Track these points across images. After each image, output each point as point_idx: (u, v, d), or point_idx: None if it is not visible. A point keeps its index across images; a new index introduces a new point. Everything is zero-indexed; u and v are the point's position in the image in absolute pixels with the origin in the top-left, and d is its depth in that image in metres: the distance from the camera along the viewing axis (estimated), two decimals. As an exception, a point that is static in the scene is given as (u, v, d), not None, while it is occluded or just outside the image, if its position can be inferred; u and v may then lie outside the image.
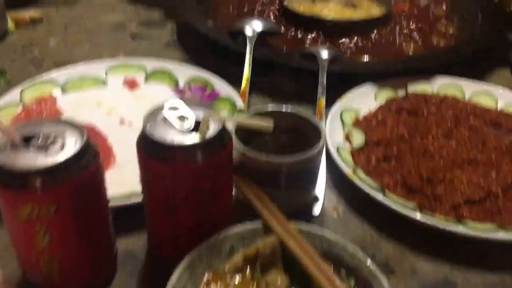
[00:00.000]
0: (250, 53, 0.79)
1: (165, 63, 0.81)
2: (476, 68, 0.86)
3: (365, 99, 0.75)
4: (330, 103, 0.72)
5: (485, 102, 0.76)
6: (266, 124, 0.43)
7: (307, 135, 0.55)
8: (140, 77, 0.80)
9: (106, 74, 0.80)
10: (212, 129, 0.41)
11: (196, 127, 0.42)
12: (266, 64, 0.80)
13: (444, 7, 1.02)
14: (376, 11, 1.02)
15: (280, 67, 0.81)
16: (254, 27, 0.85)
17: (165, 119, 0.42)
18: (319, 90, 0.74)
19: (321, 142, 0.53)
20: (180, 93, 0.77)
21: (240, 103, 0.71)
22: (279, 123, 0.47)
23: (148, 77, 0.80)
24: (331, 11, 1.01)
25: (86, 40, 0.97)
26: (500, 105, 0.75)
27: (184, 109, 0.43)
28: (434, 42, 0.91)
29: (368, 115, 0.73)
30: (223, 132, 0.42)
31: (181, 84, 0.79)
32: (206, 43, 0.90)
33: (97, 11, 1.09)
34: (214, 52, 0.89)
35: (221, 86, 0.76)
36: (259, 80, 0.81)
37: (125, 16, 1.07)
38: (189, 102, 0.43)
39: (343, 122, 0.70)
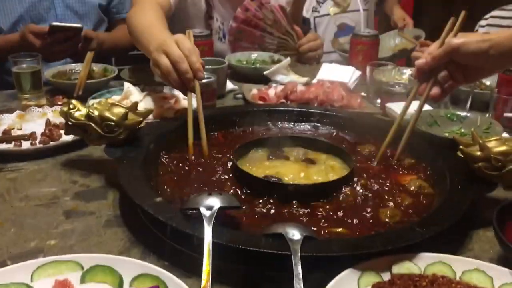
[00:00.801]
0: (209, 242, 0.67)
1: (105, 257, 0.68)
2: (453, 233, 0.79)
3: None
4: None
5: (479, 282, 0.67)
6: None
7: None
8: (74, 277, 0.65)
9: (31, 279, 0.64)
10: None
11: None
12: (229, 250, 0.69)
13: (412, 161, 0.99)
14: (336, 165, 0.96)
15: (245, 253, 0.69)
16: (210, 203, 0.74)
17: None
18: (296, 285, 0.62)
19: None
20: None
21: None
22: None
23: (85, 276, 0.66)
24: (289, 171, 0.94)
25: (9, 221, 0.82)
26: (497, 285, 0.67)
27: None
28: (406, 202, 0.84)
29: (354, 308, 0.61)
30: None
31: (126, 283, 0.65)
32: (155, 222, 0.78)
33: (26, 181, 0.96)
34: (166, 231, 0.77)
35: (176, 285, 0.63)
36: (224, 268, 0.69)
37: (59, 186, 0.94)
38: None
39: (328, 327, 0.58)
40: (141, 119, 0.98)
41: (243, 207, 0.82)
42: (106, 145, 0.96)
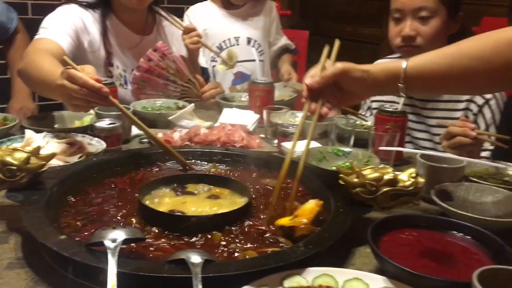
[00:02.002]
0: (114, 273, 0.70)
1: None
2: (337, 251, 0.90)
3: (244, 304, 0.70)
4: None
5: (358, 288, 0.77)
6: None
7: None
8: None
9: None
10: None
11: None
12: (134, 279, 0.73)
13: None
14: (238, 199, 1.04)
15: (150, 281, 0.74)
16: (114, 236, 0.78)
17: None
18: (197, 303, 0.68)
19: None
20: None
21: None
22: None
23: None
24: (194, 206, 1.00)
25: None
26: (373, 290, 0.77)
27: None
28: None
29: (250, 321, 0.68)
30: None
31: None
32: (58, 262, 0.80)
33: None
34: (69, 270, 0.79)
35: None
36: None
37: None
38: None
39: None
40: (44, 162, 1.00)
41: (149, 241, 0.86)
42: (8, 190, 0.96)
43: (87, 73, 1.16)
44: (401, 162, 1.38)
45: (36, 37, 1.68)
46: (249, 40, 2.37)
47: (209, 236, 0.89)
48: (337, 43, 1.09)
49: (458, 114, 1.60)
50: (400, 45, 1.61)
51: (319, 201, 0.97)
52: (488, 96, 1.59)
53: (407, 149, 1.37)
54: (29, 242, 0.89)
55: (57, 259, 0.81)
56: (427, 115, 1.67)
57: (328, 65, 1.06)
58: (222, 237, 0.90)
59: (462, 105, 1.62)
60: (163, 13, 2.00)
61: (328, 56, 1.10)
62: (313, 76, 1.05)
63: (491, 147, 1.52)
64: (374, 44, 1.89)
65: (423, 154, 1.18)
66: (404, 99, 1.37)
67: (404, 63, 0.96)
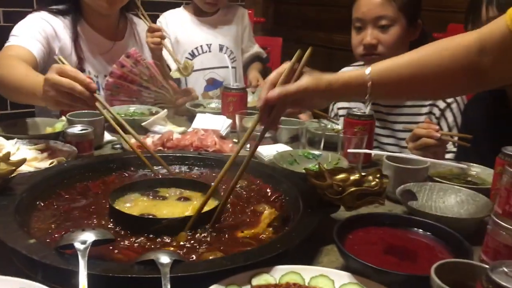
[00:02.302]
0: (84, 275, 0.71)
1: None
2: (306, 250, 0.93)
3: (213, 302, 0.72)
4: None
5: (324, 284, 0.79)
6: None
7: None
8: None
9: None
10: None
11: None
12: (105, 281, 0.74)
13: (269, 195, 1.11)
14: (210, 201, 1.06)
15: (119, 281, 0.75)
16: (84, 238, 0.79)
17: None
18: (165, 303, 0.69)
19: None
20: None
21: None
22: None
23: None
24: (165, 208, 1.01)
25: None
26: (337, 285, 0.80)
27: None
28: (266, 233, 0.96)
29: (219, 319, 0.70)
30: None
31: None
32: (29, 266, 0.80)
33: None
34: (39, 274, 0.79)
35: None
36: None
37: None
38: None
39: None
40: (13, 168, 1.00)
41: (121, 244, 0.87)
42: (-24, 196, 0.96)
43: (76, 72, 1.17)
44: (369, 164, 1.42)
45: (7, 44, 1.68)
46: (221, 47, 2.39)
47: (175, 237, 0.91)
48: (309, 49, 1.03)
49: (422, 118, 1.65)
50: (362, 54, 1.67)
51: (271, 209, 1.03)
52: (450, 100, 1.65)
53: (375, 151, 1.41)
54: (-1, 247, 0.89)
55: (27, 264, 0.81)
56: (393, 120, 1.73)
57: (294, 75, 1.01)
58: (189, 238, 0.91)
59: (425, 109, 1.68)
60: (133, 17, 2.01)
61: (298, 61, 1.05)
62: (273, 83, 1.00)
63: (455, 149, 1.57)
64: (345, 50, 1.94)
65: (389, 156, 1.22)
66: (369, 104, 1.41)
67: (367, 70, 0.99)
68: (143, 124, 1.63)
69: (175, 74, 1.98)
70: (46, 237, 0.90)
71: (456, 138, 1.44)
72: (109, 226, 0.95)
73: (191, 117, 1.77)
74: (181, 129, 1.64)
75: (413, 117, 1.69)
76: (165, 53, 2.04)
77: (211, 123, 1.61)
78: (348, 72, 1.03)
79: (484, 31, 0.95)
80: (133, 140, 1.48)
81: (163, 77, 1.93)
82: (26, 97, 1.35)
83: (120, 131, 1.23)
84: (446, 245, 0.89)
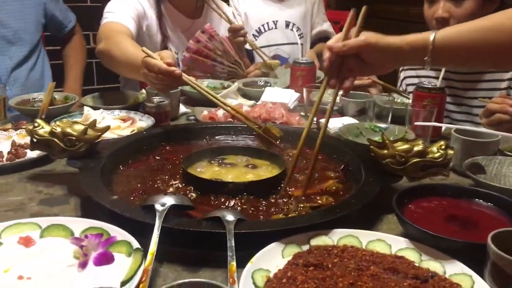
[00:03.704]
0: (158, 229, 0.80)
1: (58, 218, 0.88)
2: (367, 217, 0.95)
3: (273, 258, 0.78)
4: (241, 264, 0.74)
5: (381, 248, 0.82)
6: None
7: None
8: (34, 234, 0.84)
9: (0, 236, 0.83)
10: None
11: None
12: (177, 235, 0.82)
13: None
14: (275, 169, 1.11)
15: (189, 235, 0.83)
16: (164, 201, 0.86)
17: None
18: (229, 254, 0.75)
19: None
20: (77, 240, 0.81)
21: (136, 244, 0.78)
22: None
23: (43, 233, 0.85)
24: (234, 174, 1.08)
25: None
26: (394, 250, 0.82)
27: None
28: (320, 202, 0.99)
29: (279, 273, 0.75)
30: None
31: (77, 234, 0.84)
32: (112, 219, 0.90)
33: (-5, 193, 1.06)
34: (120, 226, 0.89)
35: (116, 232, 0.82)
36: (168, 250, 0.81)
37: (26, 195, 1.05)
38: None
39: (255, 284, 0.71)
40: (99, 134, 1.10)
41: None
42: (68, 158, 1.08)
43: (163, 58, 1.25)
44: (439, 138, 1.39)
45: (105, 20, 1.76)
46: (287, 24, 2.39)
47: (244, 201, 0.97)
48: (364, 9, 1.05)
49: (498, 94, 1.58)
50: (434, 28, 1.60)
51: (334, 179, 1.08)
52: None
53: (443, 124, 1.38)
54: (86, 202, 1.00)
55: (109, 217, 0.91)
56: (467, 96, 1.66)
57: (352, 33, 1.04)
58: (256, 202, 0.97)
59: (504, 84, 1.60)
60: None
61: (355, 22, 1.07)
62: (336, 41, 1.03)
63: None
64: (421, 23, 1.88)
65: (458, 129, 1.20)
66: (441, 77, 1.38)
67: (432, 36, 0.97)
68: (215, 97, 1.70)
69: (263, 68, 2.02)
70: (125, 195, 1.00)
71: (533, 113, 1.37)
72: (182, 188, 1.03)
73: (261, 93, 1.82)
74: (251, 102, 1.70)
75: (490, 92, 1.61)
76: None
77: (279, 97, 1.65)
78: (413, 34, 1.01)
79: None
80: (205, 112, 1.57)
81: (236, 52, 2.00)
82: (138, 75, 1.45)
83: (216, 100, 1.27)
84: (510, 217, 0.88)
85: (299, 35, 2.37)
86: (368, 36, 1.01)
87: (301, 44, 2.26)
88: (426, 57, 0.96)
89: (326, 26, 2.50)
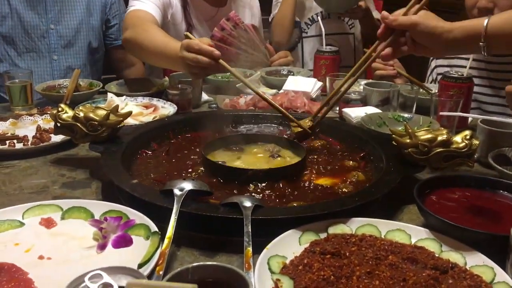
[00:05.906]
0: (176, 213, 0.80)
1: (79, 201, 0.90)
2: (388, 207, 0.94)
3: (290, 244, 0.78)
4: (257, 250, 0.74)
5: (400, 238, 0.81)
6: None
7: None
8: (56, 216, 0.86)
9: (23, 217, 0.86)
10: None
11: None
12: (194, 219, 0.82)
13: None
14: (296, 158, 1.10)
15: (206, 220, 0.83)
16: (183, 186, 0.87)
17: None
18: (245, 239, 0.75)
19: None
20: (96, 223, 0.82)
21: (154, 227, 0.79)
22: (205, 279, 0.48)
23: (64, 214, 0.87)
24: (255, 161, 1.08)
25: (6, 205, 0.95)
26: (414, 240, 0.81)
27: (106, 278, 0.43)
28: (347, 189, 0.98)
29: (295, 260, 0.75)
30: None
31: (97, 217, 0.85)
32: (131, 202, 0.91)
33: (19, 175, 1.09)
34: (139, 210, 0.90)
35: (135, 215, 0.84)
36: (186, 234, 0.82)
37: (49, 178, 1.07)
38: (111, 271, 0.43)
39: (270, 269, 0.71)
40: (121, 119, 1.12)
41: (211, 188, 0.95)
42: (90, 143, 1.09)
43: (203, 42, 1.27)
44: (465, 129, 1.36)
45: (132, 8, 1.75)
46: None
47: (263, 187, 0.97)
48: None
49: None
50: (475, 17, 1.54)
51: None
52: None
53: (468, 114, 1.34)
54: (107, 186, 1.02)
55: (129, 200, 0.92)
56: (497, 78, 1.60)
57: (412, 10, 1.05)
58: (275, 189, 0.97)
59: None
60: None
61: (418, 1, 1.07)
62: (395, 16, 1.05)
63: None
64: (452, 13, 1.82)
65: (484, 119, 1.17)
66: (470, 63, 1.34)
67: (485, 21, 0.95)
68: (237, 85, 1.70)
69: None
70: (145, 180, 1.00)
71: None
72: (202, 174, 1.03)
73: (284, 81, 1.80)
74: (273, 91, 1.69)
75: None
76: None
77: (301, 85, 1.63)
78: (467, 20, 1.00)
79: None
80: (227, 100, 1.57)
81: (260, 40, 1.98)
82: (167, 63, 1.45)
83: (252, 86, 1.27)
84: (536, 210, 0.85)
85: (349, 25, 2.31)
86: (419, 16, 1.01)
87: (352, 33, 2.21)
88: (481, 43, 0.94)
89: (375, 14, 2.45)
